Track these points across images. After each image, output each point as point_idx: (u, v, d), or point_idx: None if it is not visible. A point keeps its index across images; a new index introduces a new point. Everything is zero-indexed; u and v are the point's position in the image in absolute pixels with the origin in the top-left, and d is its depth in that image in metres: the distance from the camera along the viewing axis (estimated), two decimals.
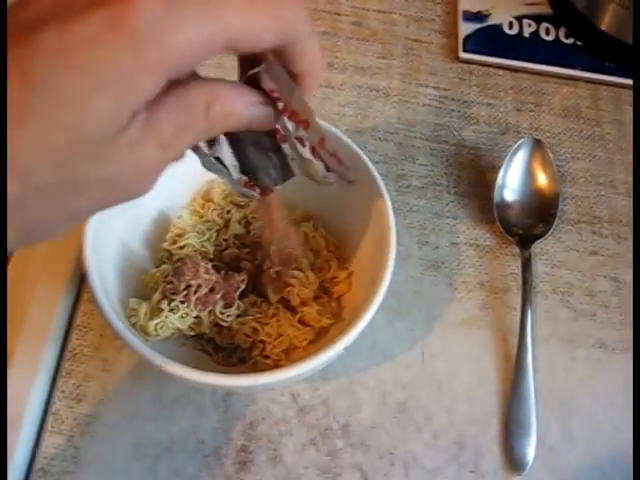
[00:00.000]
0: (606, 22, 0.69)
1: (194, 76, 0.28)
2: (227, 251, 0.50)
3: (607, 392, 0.52)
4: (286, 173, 0.36)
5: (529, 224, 0.57)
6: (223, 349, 0.47)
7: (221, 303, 0.46)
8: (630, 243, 0.59)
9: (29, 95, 0.23)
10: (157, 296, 0.45)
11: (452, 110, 0.66)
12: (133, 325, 0.44)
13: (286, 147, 0.33)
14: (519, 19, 0.72)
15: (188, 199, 0.52)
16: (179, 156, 0.29)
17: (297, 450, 0.47)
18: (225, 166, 0.34)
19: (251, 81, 0.31)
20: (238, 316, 0.47)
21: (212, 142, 0.33)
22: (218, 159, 0.34)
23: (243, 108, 0.29)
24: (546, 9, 0.74)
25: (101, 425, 0.47)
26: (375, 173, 0.48)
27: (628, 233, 0.59)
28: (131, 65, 0.23)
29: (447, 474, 0.48)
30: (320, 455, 0.47)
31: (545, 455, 0.48)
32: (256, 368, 0.46)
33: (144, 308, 0.45)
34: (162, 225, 0.51)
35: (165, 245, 0.50)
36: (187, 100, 0.27)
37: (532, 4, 0.74)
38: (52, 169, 0.24)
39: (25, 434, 0.46)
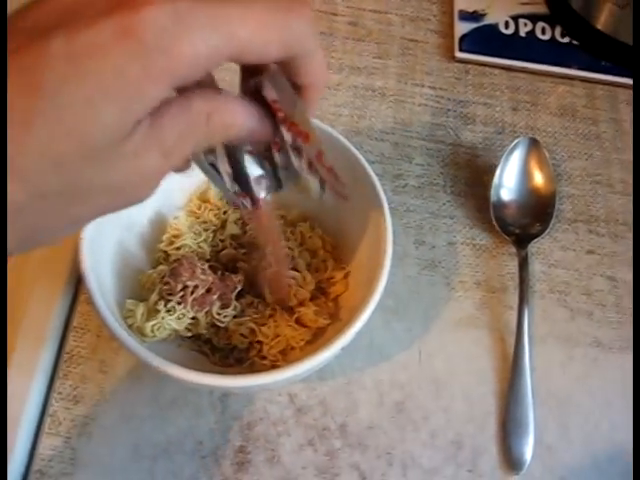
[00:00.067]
0: (602, 21, 0.69)
1: (199, 84, 0.28)
2: (224, 252, 0.50)
3: (604, 391, 0.52)
4: (279, 184, 0.36)
5: (526, 223, 0.57)
6: (220, 350, 0.47)
7: (218, 304, 0.46)
8: (627, 242, 0.59)
9: (35, 101, 0.23)
10: (154, 297, 0.45)
11: (448, 110, 0.66)
12: (130, 326, 0.44)
13: (278, 157, 0.33)
14: (515, 18, 0.72)
15: (184, 200, 0.52)
16: (180, 164, 0.29)
17: (295, 450, 0.47)
18: (219, 173, 0.34)
19: (253, 89, 0.31)
20: (235, 317, 0.47)
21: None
22: (213, 165, 0.34)
23: (243, 120, 0.29)
24: (542, 8, 0.74)
25: (98, 426, 0.47)
26: (371, 173, 0.48)
27: (625, 232, 0.60)
28: (137, 74, 0.23)
29: (445, 473, 0.48)
30: (318, 455, 0.47)
31: (542, 454, 0.48)
32: (253, 369, 0.46)
33: (141, 309, 0.45)
34: (158, 226, 0.51)
35: (162, 246, 0.50)
36: (189, 110, 0.27)
37: (528, 3, 0.74)
38: (56, 176, 0.24)
39: (22, 436, 0.46)
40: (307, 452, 0.47)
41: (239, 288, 0.47)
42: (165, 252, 0.50)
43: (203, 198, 0.52)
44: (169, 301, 0.45)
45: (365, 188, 0.48)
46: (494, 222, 0.57)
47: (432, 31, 0.72)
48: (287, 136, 0.32)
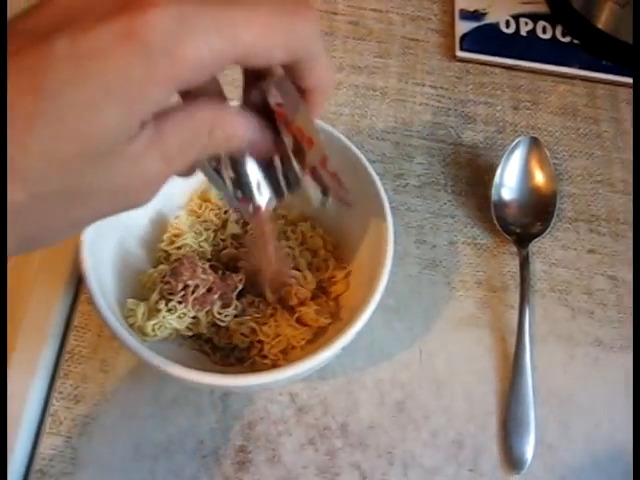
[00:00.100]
0: (603, 20, 0.69)
1: (204, 87, 0.28)
2: (224, 251, 0.50)
3: (605, 390, 0.52)
4: (280, 192, 0.36)
5: (527, 223, 0.57)
6: (221, 349, 0.47)
7: (219, 303, 0.46)
8: (628, 241, 0.59)
9: (37, 102, 0.23)
10: (155, 296, 0.45)
11: (449, 109, 0.66)
12: (131, 326, 0.44)
13: (279, 164, 0.33)
14: (516, 18, 0.72)
15: (185, 199, 0.52)
16: (182, 171, 0.29)
17: (295, 450, 0.47)
18: (222, 178, 0.34)
19: (257, 94, 0.31)
20: (236, 316, 0.47)
21: None
22: (217, 170, 0.34)
23: (244, 132, 0.29)
24: (543, 7, 0.74)
25: (99, 426, 0.47)
26: (372, 172, 0.48)
27: (626, 231, 0.59)
28: (141, 77, 0.23)
29: (446, 473, 0.48)
30: (319, 455, 0.47)
31: (544, 453, 0.48)
32: (254, 368, 0.46)
33: (142, 309, 0.45)
34: (159, 225, 0.51)
35: (162, 245, 0.50)
36: (193, 119, 0.27)
37: (529, 3, 0.74)
38: (57, 177, 0.24)
39: (23, 435, 0.46)
40: (308, 451, 0.47)
41: (240, 287, 0.47)
42: (166, 251, 0.50)
43: (204, 197, 0.52)
44: (170, 300, 0.45)
45: (366, 187, 0.48)
46: (495, 221, 0.57)
47: (433, 30, 0.71)
48: (290, 142, 0.31)
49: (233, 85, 0.35)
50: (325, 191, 0.33)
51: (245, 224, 0.51)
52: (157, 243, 0.50)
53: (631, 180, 0.62)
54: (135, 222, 0.49)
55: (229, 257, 0.50)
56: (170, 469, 0.46)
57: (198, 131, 0.27)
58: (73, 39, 0.23)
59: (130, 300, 0.45)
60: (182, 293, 0.45)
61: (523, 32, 0.71)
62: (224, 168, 0.34)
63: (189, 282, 0.45)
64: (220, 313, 0.46)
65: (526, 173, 0.59)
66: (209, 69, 0.25)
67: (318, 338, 0.47)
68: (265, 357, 0.46)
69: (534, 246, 0.57)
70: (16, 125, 0.23)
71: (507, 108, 0.66)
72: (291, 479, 0.46)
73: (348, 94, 0.66)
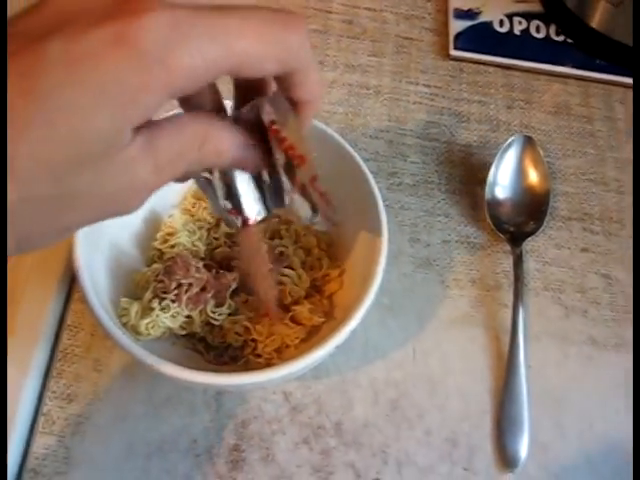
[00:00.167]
0: (596, 20, 0.69)
1: (202, 94, 0.29)
2: (218, 250, 0.50)
3: (599, 389, 0.52)
4: (267, 207, 0.36)
5: (520, 221, 0.57)
6: (214, 348, 0.47)
7: (212, 302, 0.46)
8: (621, 239, 0.59)
9: (31, 106, 0.23)
10: (148, 295, 0.45)
11: (443, 108, 0.66)
12: (124, 325, 0.44)
13: (269, 180, 0.33)
14: (510, 17, 0.72)
15: (179, 198, 0.52)
16: (171, 181, 0.29)
17: (289, 449, 0.47)
18: (213, 188, 0.34)
19: (249, 110, 0.31)
20: (229, 315, 0.47)
21: None
22: (208, 180, 0.34)
23: (233, 149, 0.30)
24: (536, 7, 0.74)
25: (92, 425, 0.47)
26: (366, 171, 0.48)
27: (619, 230, 0.60)
28: (134, 83, 0.23)
29: (440, 471, 0.48)
30: (313, 454, 0.47)
31: (537, 452, 0.49)
32: (248, 367, 0.46)
33: (135, 307, 0.44)
34: (153, 224, 0.50)
35: (156, 244, 0.50)
36: (184, 132, 0.27)
37: (522, 2, 0.74)
38: (50, 181, 0.24)
39: (16, 435, 0.46)
40: (302, 450, 0.47)
41: (234, 286, 0.47)
42: (159, 250, 0.50)
43: (197, 196, 0.51)
44: (163, 299, 0.45)
45: (360, 186, 0.48)
46: (489, 220, 0.57)
47: (427, 29, 0.72)
48: (282, 158, 0.31)
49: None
50: (314, 209, 0.34)
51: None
52: (151, 242, 0.50)
53: (624, 179, 0.62)
54: (128, 221, 0.49)
55: (223, 256, 0.49)
56: (163, 468, 0.46)
57: (189, 144, 0.28)
58: (66, 43, 0.23)
59: (123, 299, 0.45)
60: (176, 292, 0.45)
61: (517, 31, 0.72)
62: (215, 179, 0.34)
63: (183, 281, 0.45)
64: (214, 312, 0.46)
65: (520, 172, 0.59)
66: (202, 77, 0.25)
67: (312, 337, 0.47)
68: (259, 356, 0.46)
69: (528, 245, 0.57)
70: (11, 129, 0.23)
71: (501, 107, 0.66)
72: (285, 478, 0.46)
73: (342, 93, 0.66)
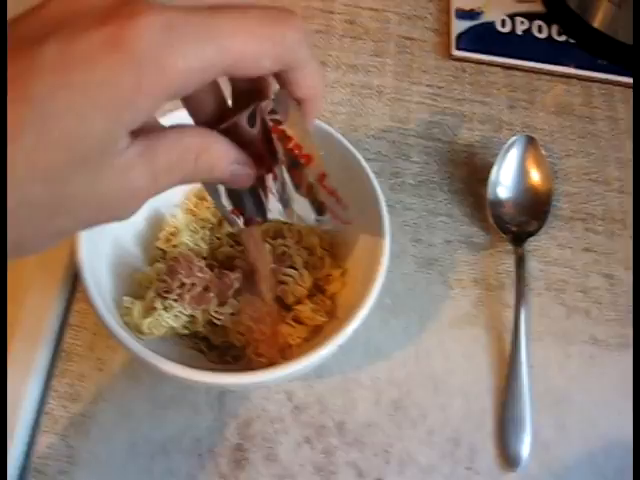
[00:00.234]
0: (599, 19, 0.69)
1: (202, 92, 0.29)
2: (221, 249, 0.50)
3: (601, 388, 0.52)
4: (264, 214, 0.35)
5: (522, 221, 0.57)
6: (217, 347, 0.47)
7: (215, 301, 0.46)
8: (623, 239, 0.59)
9: (26, 111, 0.23)
10: (151, 295, 0.45)
11: (445, 108, 0.66)
12: (127, 324, 0.44)
13: (273, 185, 0.33)
14: (512, 17, 0.72)
15: (182, 198, 0.52)
16: (167, 189, 0.29)
17: (292, 448, 0.47)
18: (216, 187, 0.34)
19: (254, 112, 0.31)
20: (232, 314, 0.47)
21: None
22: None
23: (227, 164, 0.30)
24: (539, 7, 0.74)
25: (95, 425, 0.47)
26: (369, 171, 0.48)
27: (621, 230, 0.60)
28: (129, 86, 0.23)
29: (442, 471, 0.48)
30: (315, 453, 0.47)
31: (540, 451, 0.49)
32: (250, 366, 0.46)
33: (138, 307, 0.45)
34: (156, 224, 0.51)
35: (159, 244, 0.50)
36: (181, 145, 0.28)
37: (525, 2, 0.74)
38: (44, 187, 0.24)
39: (19, 434, 0.46)
40: (304, 450, 0.47)
41: (236, 286, 0.47)
42: (162, 250, 0.50)
43: (200, 196, 0.52)
44: (166, 299, 0.45)
45: (362, 186, 0.48)
46: (491, 220, 0.57)
47: (429, 29, 0.72)
48: (286, 160, 0.31)
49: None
50: (321, 209, 0.33)
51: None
52: (153, 241, 0.50)
53: (627, 179, 0.62)
54: (131, 220, 0.48)
55: (225, 255, 0.50)
56: (167, 468, 0.46)
57: (185, 156, 0.28)
58: (60, 46, 0.23)
59: (126, 298, 0.45)
60: (178, 291, 0.45)
61: (519, 31, 0.72)
62: None
63: (185, 280, 0.45)
64: (216, 311, 0.46)
65: (522, 172, 0.59)
66: (198, 79, 0.25)
67: (314, 337, 0.47)
68: (261, 355, 0.46)
69: (530, 245, 0.57)
70: (9, 129, 0.23)
71: (503, 107, 0.66)
72: (288, 477, 0.46)
73: (344, 93, 0.66)
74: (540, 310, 0.55)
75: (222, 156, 0.30)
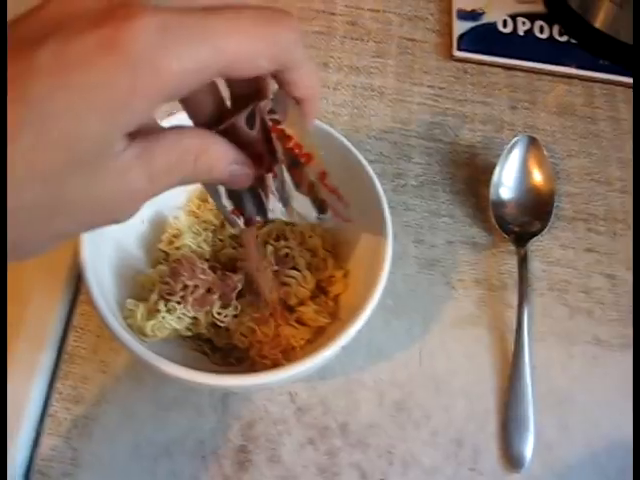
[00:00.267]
0: (600, 20, 0.69)
1: (204, 95, 0.29)
2: (223, 251, 0.50)
3: (604, 388, 0.52)
4: (264, 213, 0.36)
5: (525, 222, 0.57)
6: (220, 349, 0.47)
7: (218, 303, 0.46)
8: (626, 240, 0.59)
9: (24, 111, 0.23)
10: (154, 297, 0.45)
11: (447, 109, 0.66)
12: (130, 326, 0.44)
13: (273, 183, 0.33)
14: (513, 17, 0.72)
15: (184, 200, 0.52)
16: (165, 190, 0.29)
17: (295, 450, 0.47)
18: (216, 188, 0.34)
19: (253, 112, 0.31)
20: (235, 316, 0.47)
21: None
22: None
23: (225, 165, 0.30)
24: (540, 7, 0.74)
25: (99, 426, 0.47)
26: (371, 172, 0.48)
27: (624, 230, 0.60)
28: (125, 88, 0.23)
29: (445, 472, 0.48)
30: (318, 454, 0.47)
31: (543, 452, 0.49)
32: (254, 368, 0.46)
33: (141, 309, 0.45)
34: (158, 226, 0.51)
35: (161, 246, 0.50)
36: (180, 146, 0.28)
37: (526, 2, 0.74)
38: (42, 188, 0.24)
39: (23, 436, 0.46)
40: (308, 451, 0.47)
41: (239, 288, 0.47)
42: (165, 252, 0.50)
43: (203, 198, 0.52)
44: (169, 301, 0.45)
45: (364, 187, 0.48)
46: (493, 221, 0.57)
47: (430, 30, 0.72)
48: (285, 159, 0.31)
49: None
50: (322, 207, 0.33)
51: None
52: (156, 243, 0.50)
53: (629, 179, 0.62)
54: (134, 222, 0.49)
55: (228, 257, 0.50)
56: (170, 469, 0.46)
57: (184, 157, 0.28)
58: (56, 48, 0.23)
59: (129, 301, 0.45)
60: (181, 294, 0.45)
61: (520, 32, 0.72)
62: None
63: (188, 282, 0.45)
64: (219, 313, 0.46)
65: (524, 172, 0.59)
66: (194, 80, 0.25)
67: (317, 338, 0.47)
68: (265, 357, 0.46)
69: (532, 245, 0.57)
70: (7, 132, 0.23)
71: (505, 107, 0.66)
72: (291, 479, 0.46)
73: (346, 94, 0.66)
74: (543, 310, 0.55)
75: (221, 157, 0.30)
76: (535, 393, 0.50)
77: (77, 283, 0.52)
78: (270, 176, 0.33)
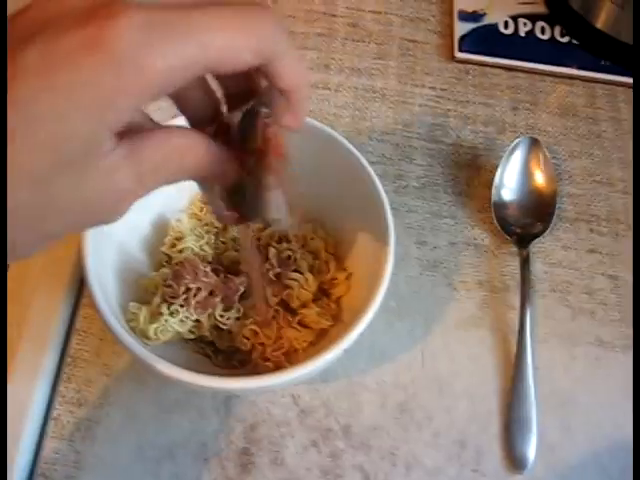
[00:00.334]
0: (601, 20, 0.69)
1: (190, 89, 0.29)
2: (226, 254, 0.50)
3: (607, 389, 0.52)
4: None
5: (527, 223, 0.57)
6: (223, 352, 0.48)
7: (220, 306, 0.46)
8: (628, 241, 0.59)
9: (10, 114, 0.23)
10: (157, 300, 0.46)
11: (448, 110, 0.66)
12: (133, 329, 0.44)
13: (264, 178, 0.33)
14: (514, 18, 0.72)
15: (186, 202, 0.52)
16: (153, 190, 0.29)
17: (298, 452, 0.47)
18: (212, 187, 0.35)
19: (250, 113, 0.31)
20: (238, 319, 0.47)
21: None
22: None
23: (210, 162, 0.30)
24: (541, 8, 0.74)
25: (102, 429, 0.47)
26: (372, 174, 0.48)
27: (626, 231, 0.60)
28: (110, 87, 0.23)
29: (448, 473, 0.48)
30: (321, 456, 0.47)
31: (546, 453, 0.49)
32: (256, 371, 0.46)
33: (144, 312, 0.45)
34: (161, 229, 0.51)
35: (164, 249, 0.50)
36: (167, 145, 0.28)
37: (527, 3, 0.74)
38: (30, 190, 0.24)
39: (26, 439, 0.46)
40: (311, 453, 0.47)
41: (242, 290, 0.47)
42: (167, 255, 0.50)
43: (205, 201, 0.52)
44: (172, 304, 0.45)
45: (366, 189, 0.48)
46: (495, 222, 0.57)
47: (432, 31, 0.72)
48: (273, 157, 0.32)
49: None
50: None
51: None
52: (159, 246, 0.50)
53: (631, 179, 0.62)
54: (136, 225, 0.49)
55: (230, 260, 0.50)
56: (173, 472, 0.46)
57: (170, 157, 0.28)
58: (43, 49, 0.23)
59: (132, 304, 0.45)
60: (184, 296, 0.45)
61: (522, 33, 0.72)
62: None
63: (191, 285, 0.45)
64: (222, 316, 0.46)
65: (526, 174, 0.59)
66: (180, 77, 0.25)
67: (320, 340, 0.47)
68: (267, 360, 0.46)
69: (534, 246, 0.57)
70: None
71: (506, 109, 0.66)
72: None
73: (348, 96, 0.66)
74: (545, 312, 0.55)
75: (206, 154, 0.30)
76: (538, 394, 0.50)
77: (80, 286, 0.52)
78: (263, 174, 0.33)
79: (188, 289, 0.45)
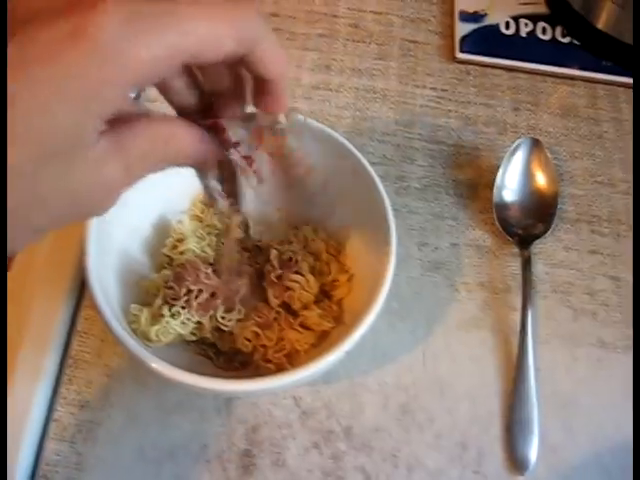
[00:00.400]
0: (602, 21, 0.69)
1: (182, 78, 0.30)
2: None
3: (608, 390, 0.52)
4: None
5: (528, 224, 0.57)
6: (225, 354, 0.47)
7: (222, 308, 0.46)
8: (629, 241, 0.59)
9: None
10: (158, 302, 0.46)
11: (450, 111, 0.66)
12: (134, 331, 0.44)
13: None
14: (515, 19, 0.72)
15: (188, 204, 0.52)
16: (141, 178, 0.29)
17: (300, 453, 0.47)
18: (205, 171, 0.35)
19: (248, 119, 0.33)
20: (239, 320, 0.47)
21: None
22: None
23: (193, 147, 0.31)
24: (542, 8, 0.74)
25: (103, 431, 0.47)
26: (374, 175, 0.48)
27: (627, 232, 0.60)
28: (93, 77, 0.24)
29: (450, 475, 0.48)
30: (323, 458, 0.47)
31: (547, 454, 0.48)
32: (258, 372, 0.46)
33: (145, 314, 0.45)
34: (162, 231, 0.51)
35: (165, 250, 0.50)
36: (151, 133, 0.28)
37: (528, 3, 0.74)
38: (18, 183, 0.24)
39: (28, 441, 0.46)
40: (312, 455, 0.47)
41: (243, 292, 0.47)
42: (169, 257, 0.50)
43: (206, 202, 0.52)
44: (173, 306, 0.45)
45: (368, 190, 0.48)
46: (497, 223, 0.57)
47: (433, 32, 0.72)
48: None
49: None
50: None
51: (247, 228, 0.51)
52: (160, 248, 0.50)
53: (632, 180, 0.62)
54: (138, 227, 0.49)
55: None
56: (175, 474, 0.46)
57: (155, 144, 0.28)
58: (26, 42, 0.23)
59: (133, 305, 0.45)
60: (185, 298, 0.45)
61: (523, 33, 0.72)
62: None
63: (192, 287, 0.45)
64: (223, 318, 0.46)
65: (527, 174, 0.59)
66: (163, 67, 0.25)
67: (322, 342, 0.47)
68: (269, 361, 0.46)
69: (536, 247, 0.57)
70: None
71: (508, 109, 0.66)
72: None
73: (349, 97, 0.66)
74: (547, 313, 0.55)
75: (188, 139, 0.30)
76: (539, 396, 0.50)
77: (81, 288, 0.52)
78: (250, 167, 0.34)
79: (189, 291, 0.45)
